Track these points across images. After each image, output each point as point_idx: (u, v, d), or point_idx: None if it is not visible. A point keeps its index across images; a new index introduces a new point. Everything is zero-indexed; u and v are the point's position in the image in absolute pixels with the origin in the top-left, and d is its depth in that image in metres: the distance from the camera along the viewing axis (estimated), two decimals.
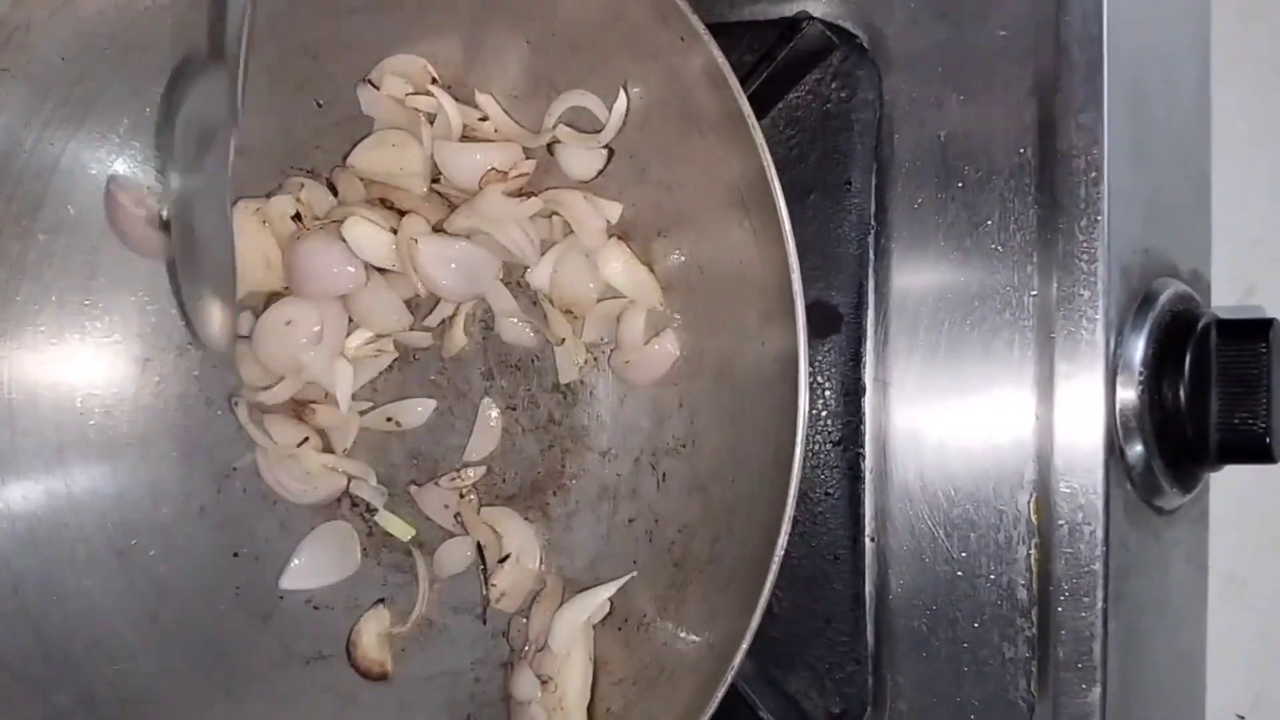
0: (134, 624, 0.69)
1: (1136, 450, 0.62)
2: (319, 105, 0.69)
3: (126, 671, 0.67)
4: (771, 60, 0.63)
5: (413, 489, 0.69)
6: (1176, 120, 0.70)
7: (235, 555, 0.71)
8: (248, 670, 0.69)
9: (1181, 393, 0.62)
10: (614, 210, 0.64)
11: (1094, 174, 0.61)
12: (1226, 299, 0.76)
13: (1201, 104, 0.74)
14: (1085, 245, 0.61)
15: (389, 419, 0.69)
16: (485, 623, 0.68)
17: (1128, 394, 0.61)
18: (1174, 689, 0.70)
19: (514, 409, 0.68)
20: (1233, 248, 0.75)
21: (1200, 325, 0.63)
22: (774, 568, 0.51)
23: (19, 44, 0.63)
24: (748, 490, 0.59)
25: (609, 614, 0.64)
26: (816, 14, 0.65)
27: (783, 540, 0.51)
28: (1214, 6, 0.75)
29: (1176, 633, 0.70)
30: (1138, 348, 0.62)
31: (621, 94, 0.62)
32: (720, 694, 0.53)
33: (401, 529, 0.69)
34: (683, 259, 0.64)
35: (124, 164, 0.68)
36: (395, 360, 0.70)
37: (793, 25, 0.63)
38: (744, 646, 0.52)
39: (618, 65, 0.61)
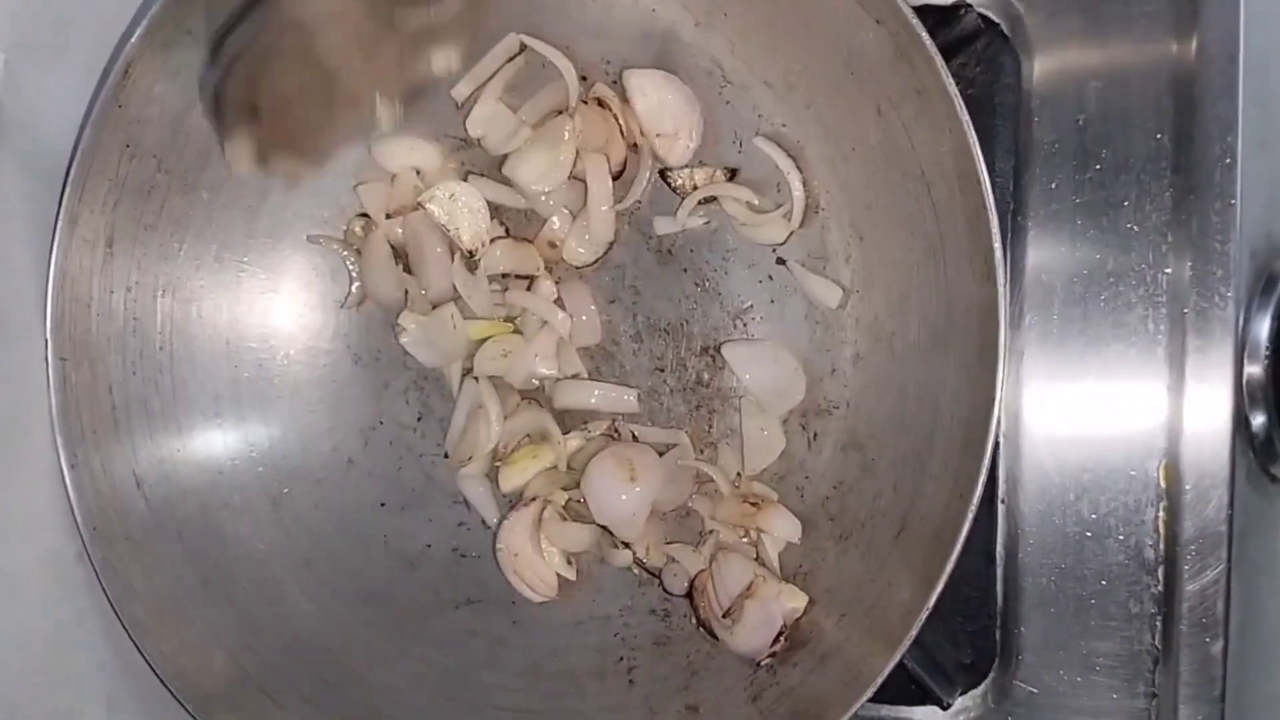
0: (290, 569, 0.72)
1: (1260, 421, 0.66)
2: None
3: (286, 614, 0.70)
4: None
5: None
6: None
7: (382, 505, 0.74)
8: (400, 614, 0.72)
9: None
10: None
11: (1229, 160, 0.64)
12: None
13: None
14: (1219, 226, 0.64)
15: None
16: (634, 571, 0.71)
17: (1254, 368, 0.65)
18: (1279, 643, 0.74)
19: (662, 370, 0.71)
20: None
21: None
22: (969, 519, 0.54)
23: (204, 6, 0.65)
24: (912, 450, 0.62)
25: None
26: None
27: (978, 495, 0.55)
28: None
29: None
30: (1264, 325, 0.66)
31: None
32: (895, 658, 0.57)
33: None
34: (845, 234, 0.67)
35: None
36: None
37: (952, 11, 0.66)
38: (930, 604, 0.55)
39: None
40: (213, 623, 0.68)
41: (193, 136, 0.68)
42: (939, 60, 0.57)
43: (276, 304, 0.74)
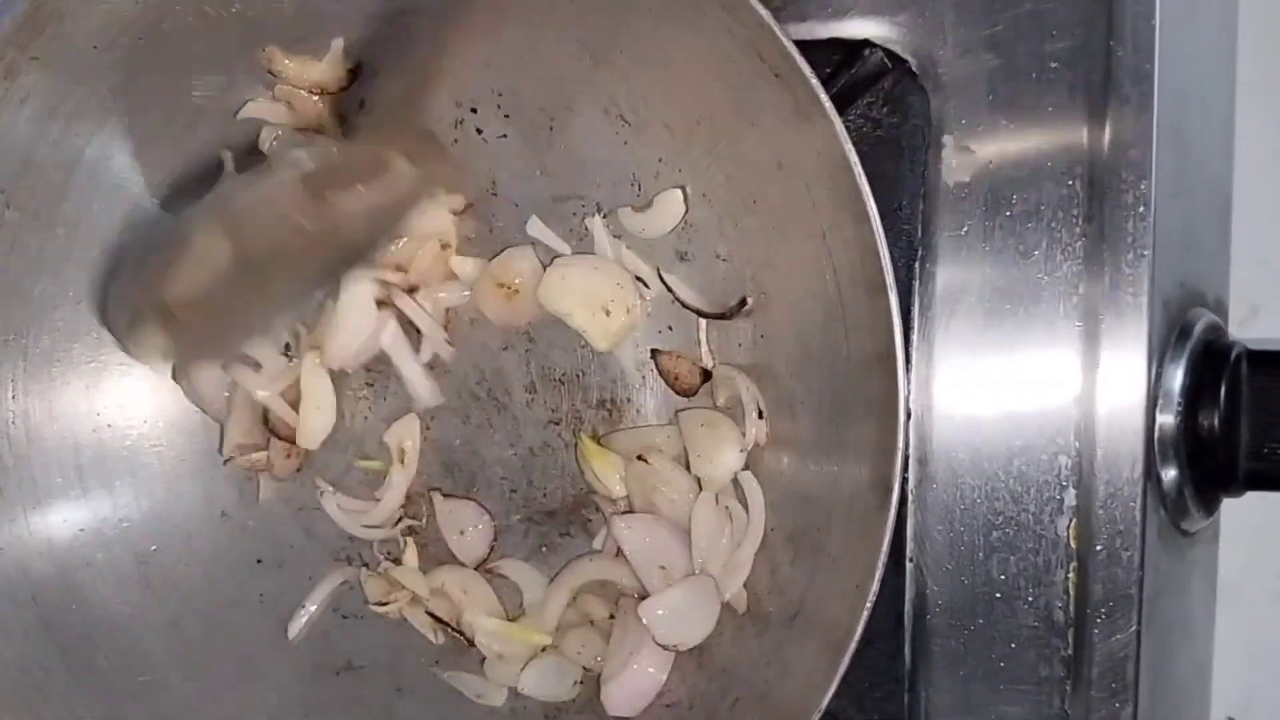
0: (158, 633, 0.67)
1: (1171, 475, 0.64)
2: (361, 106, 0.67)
3: (154, 684, 0.66)
4: (833, 83, 0.63)
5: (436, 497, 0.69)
6: (1209, 153, 0.72)
7: (259, 562, 0.70)
8: (276, 681, 0.68)
9: (1216, 421, 0.64)
10: None
11: (1141, 209, 0.62)
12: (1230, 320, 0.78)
13: (1227, 136, 0.76)
14: (1131, 278, 0.62)
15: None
16: None
17: (1166, 420, 0.63)
18: (1190, 700, 0.73)
19: (557, 424, 0.67)
20: (1237, 269, 0.77)
21: (1233, 355, 0.65)
22: (866, 611, 0.52)
23: (53, 31, 0.60)
24: (810, 524, 0.59)
25: None
26: (867, 36, 0.65)
27: (875, 587, 0.52)
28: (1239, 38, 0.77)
29: (1193, 648, 0.73)
30: (1176, 377, 0.64)
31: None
32: None
33: None
34: (748, 287, 0.64)
35: (147, 162, 0.66)
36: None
37: (854, 50, 0.63)
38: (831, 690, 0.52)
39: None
40: (73, 698, 0.63)
41: (46, 169, 0.63)
42: (838, 125, 0.54)
43: None
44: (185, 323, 0.60)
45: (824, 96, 0.53)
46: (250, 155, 0.66)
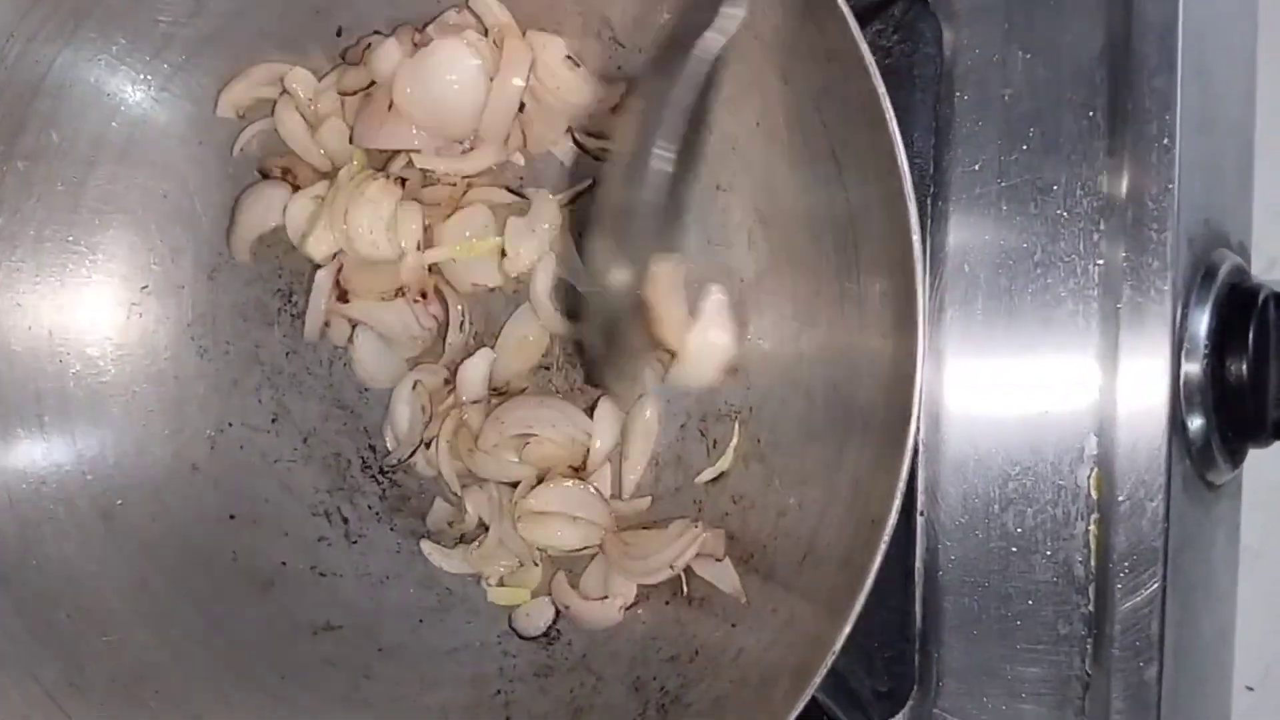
0: (123, 592, 0.63)
1: (1197, 424, 0.61)
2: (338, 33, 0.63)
3: (118, 644, 0.62)
4: None
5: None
6: (1232, 89, 0.69)
7: (231, 518, 0.66)
8: (249, 642, 0.64)
9: (1244, 367, 0.61)
10: None
11: (1166, 140, 0.59)
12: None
13: (1249, 73, 0.73)
14: (1155, 213, 0.59)
15: None
16: None
17: (1192, 367, 0.60)
18: (1214, 664, 0.70)
19: (548, 368, 0.64)
20: (1259, 220, 0.74)
21: (1261, 299, 0.62)
22: (880, 551, 0.48)
23: None
24: (821, 463, 0.56)
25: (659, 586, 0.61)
26: None
27: (890, 525, 0.48)
28: None
29: (1217, 610, 0.69)
30: (1202, 321, 0.60)
31: None
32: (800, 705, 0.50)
33: None
34: (749, 218, 0.60)
35: (118, 83, 0.62)
36: None
37: None
38: (839, 641, 0.49)
39: None
40: (30, 659, 0.59)
41: (3, 96, 0.59)
42: (851, 21, 0.50)
43: (108, 289, 0.65)
44: None
45: None
46: None
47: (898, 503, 0.50)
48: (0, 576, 0.60)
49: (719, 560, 0.60)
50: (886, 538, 0.50)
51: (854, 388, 0.56)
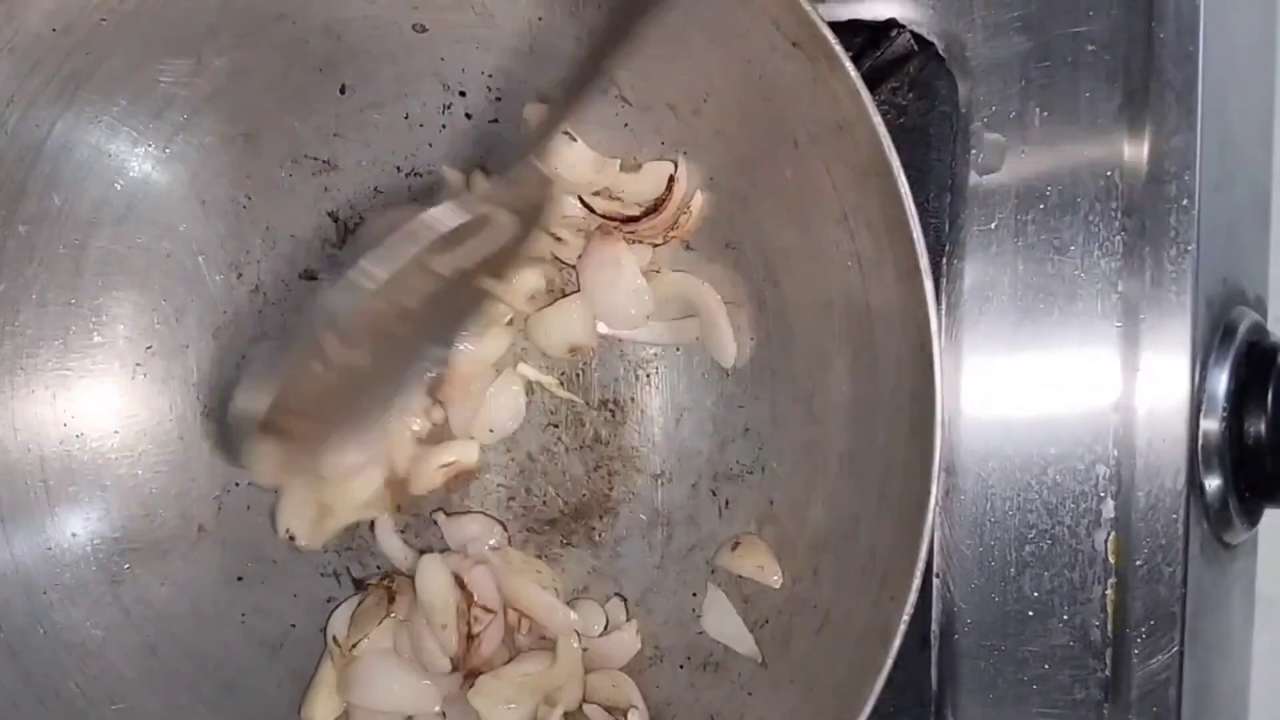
0: (131, 658, 0.63)
1: (1215, 485, 0.60)
2: (342, 90, 0.62)
3: (127, 712, 0.62)
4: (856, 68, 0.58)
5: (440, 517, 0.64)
6: (1250, 143, 0.68)
7: (239, 579, 0.65)
8: (260, 705, 0.64)
9: (1263, 427, 0.60)
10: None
11: (1185, 200, 0.58)
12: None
13: (1267, 126, 0.72)
14: (1174, 275, 0.58)
15: None
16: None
17: (1210, 426, 0.59)
18: (1229, 718, 0.69)
19: (556, 426, 0.63)
20: (1275, 272, 0.73)
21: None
22: (900, 631, 0.47)
23: (5, 14, 0.55)
24: (836, 531, 0.55)
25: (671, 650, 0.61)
26: (892, 16, 0.60)
27: (911, 600, 0.48)
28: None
29: (1233, 667, 0.69)
30: (1221, 380, 0.60)
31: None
32: None
33: None
34: (760, 277, 0.59)
35: (120, 144, 0.61)
36: None
37: (880, 31, 0.59)
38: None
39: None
40: None
41: (3, 162, 0.58)
42: (864, 92, 0.49)
43: (112, 351, 0.64)
44: (298, 433, 0.54)
45: (848, 63, 0.48)
46: None
47: (917, 581, 0.50)
48: (7, 646, 0.60)
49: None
50: (906, 617, 0.49)
51: (868, 457, 0.55)
